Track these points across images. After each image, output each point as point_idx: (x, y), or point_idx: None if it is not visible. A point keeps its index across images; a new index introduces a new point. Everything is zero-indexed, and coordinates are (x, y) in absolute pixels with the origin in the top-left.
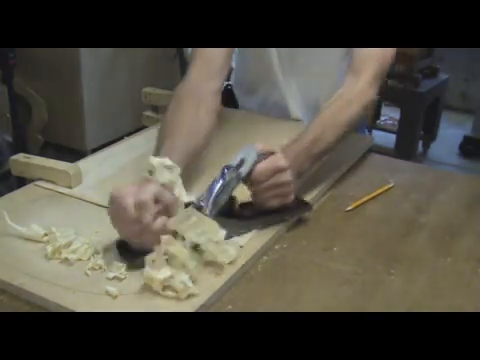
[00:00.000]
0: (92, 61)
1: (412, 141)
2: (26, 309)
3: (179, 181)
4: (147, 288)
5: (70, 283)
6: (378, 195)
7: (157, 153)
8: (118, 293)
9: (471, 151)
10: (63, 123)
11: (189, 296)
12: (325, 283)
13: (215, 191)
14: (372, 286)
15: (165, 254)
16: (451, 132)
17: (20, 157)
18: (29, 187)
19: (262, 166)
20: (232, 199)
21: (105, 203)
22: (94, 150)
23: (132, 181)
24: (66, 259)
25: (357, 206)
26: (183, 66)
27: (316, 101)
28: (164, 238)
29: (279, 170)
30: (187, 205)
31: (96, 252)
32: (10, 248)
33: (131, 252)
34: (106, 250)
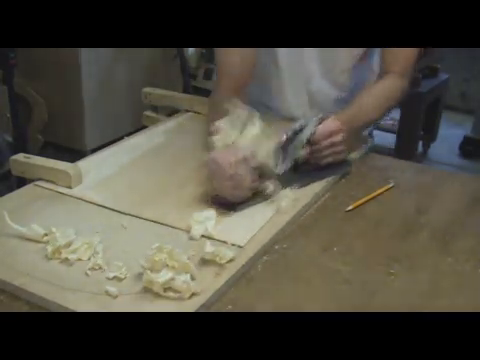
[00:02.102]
0: (92, 61)
1: (412, 141)
2: (26, 309)
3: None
4: (147, 288)
5: (70, 283)
6: (378, 195)
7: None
8: (118, 293)
9: (471, 151)
10: (63, 123)
11: (192, 295)
12: (325, 283)
13: (284, 151)
14: (372, 286)
15: (165, 255)
16: (451, 132)
17: (20, 157)
18: (29, 187)
19: (322, 128)
20: (296, 158)
21: (105, 203)
22: (94, 150)
23: (133, 181)
24: (66, 259)
25: (357, 206)
26: (183, 66)
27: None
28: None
29: (334, 132)
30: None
31: (96, 252)
32: (10, 248)
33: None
34: (106, 250)
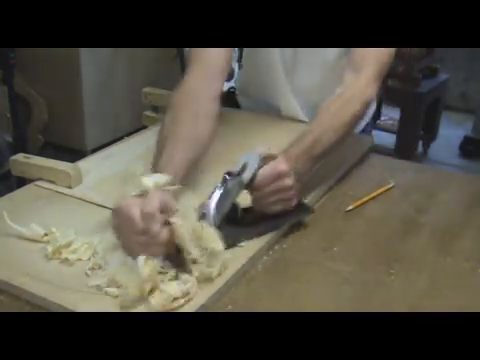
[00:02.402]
0: (92, 61)
1: (412, 141)
2: (26, 309)
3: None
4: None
5: (70, 283)
6: (378, 195)
7: (155, 165)
8: (118, 293)
9: (471, 151)
10: (63, 123)
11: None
12: (325, 283)
13: (217, 198)
14: (372, 286)
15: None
16: (451, 132)
17: (20, 157)
18: (29, 187)
19: (264, 172)
20: (235, 205)
21: (105, 203)
22: (94, 150)
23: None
24: (66, 259)
25: (357, 206)
26: (183, 66)
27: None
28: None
29: (281, 175)
30: None
31: (96, 252)
32: (10, 248)
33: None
34: (106, 250)
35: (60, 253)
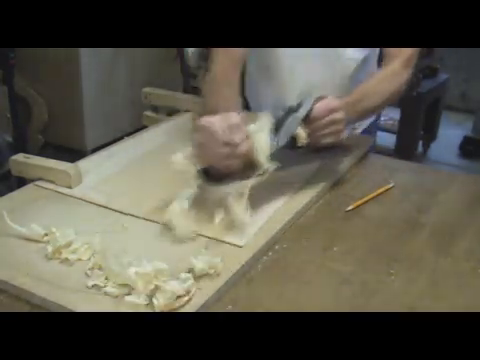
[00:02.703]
0: (92, 61)
1: (412, 141)
2: (26, 309)
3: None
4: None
5: (70, 283)
6: (378, 195)
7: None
8: (118, 293)
9: (471, 151)
10: (63, 123)
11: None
12: (325, 283)
13: (284, 123)
14: (372, 286)
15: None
16: (451, 132)
17: (20, 157)
18: (29, 187)
19: (320, 106)
20: (292, 139)
21: (105, 203)
22: (94, 150)
23: (133, 181)
24: (66, 259)
25: (357, 206)
26: (183, 66)
27: None
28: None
29: (334, 109)
30: None
31: (96, 252)
32: (10, 248)
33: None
34: (106, 250)
35: (60, 253)
